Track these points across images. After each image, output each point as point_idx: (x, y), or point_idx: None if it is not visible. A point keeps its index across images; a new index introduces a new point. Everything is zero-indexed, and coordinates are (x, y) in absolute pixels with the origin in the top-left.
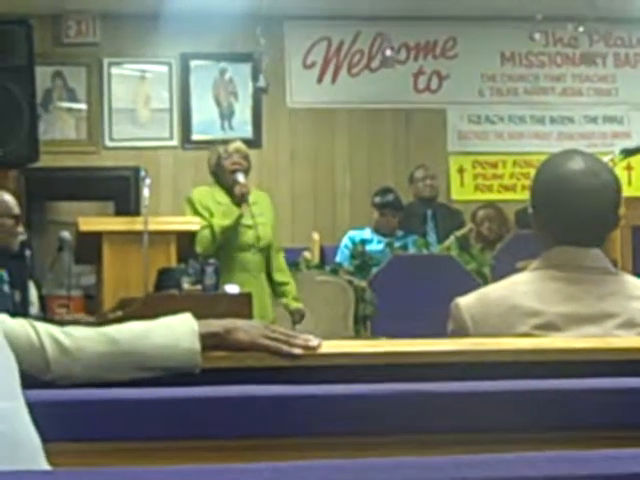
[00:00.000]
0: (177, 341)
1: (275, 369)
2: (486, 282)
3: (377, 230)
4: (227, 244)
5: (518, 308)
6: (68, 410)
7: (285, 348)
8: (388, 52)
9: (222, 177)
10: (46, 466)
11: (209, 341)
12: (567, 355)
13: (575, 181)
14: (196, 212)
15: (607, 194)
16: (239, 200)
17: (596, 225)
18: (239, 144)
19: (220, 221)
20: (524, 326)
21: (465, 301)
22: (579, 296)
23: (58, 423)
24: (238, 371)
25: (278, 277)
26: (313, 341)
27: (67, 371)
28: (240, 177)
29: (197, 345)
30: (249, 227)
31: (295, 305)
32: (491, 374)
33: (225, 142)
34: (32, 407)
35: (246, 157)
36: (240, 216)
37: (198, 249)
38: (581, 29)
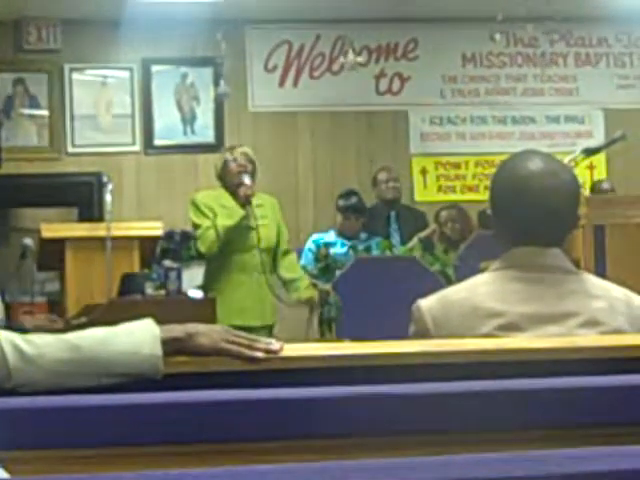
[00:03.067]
0: (139, 347)
1: (238, 373)
2: (450, 283)
3: (341, 233)
4: (227, 245)
5: (480, 309)
6: (29, 417)
7: (247, 352)
8: (350, 56)
9: (228, 180)
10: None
11: (171, 346)
12: (529, 355)
13: (533, 181)
14: (201, 213)
15: (566, 194)
16: (243, 201)
17: (555, 225)
18: (245, 148)
19: (224, 221)
20: (486, 327)
21: (426, 303)
22: (540, 296)
23: (19, 430)
24: (201, 376)
25: (287, 274)
26: (275, 345)
27: (28, 378)
28: (246, 179)
29: (159, 350)
30: (251, 228)
31: (305, 295)
32: (453, 375)
33: (232, 147)
34: None
35: (252, 161)
36: (243, 217)
37: (202, 249)
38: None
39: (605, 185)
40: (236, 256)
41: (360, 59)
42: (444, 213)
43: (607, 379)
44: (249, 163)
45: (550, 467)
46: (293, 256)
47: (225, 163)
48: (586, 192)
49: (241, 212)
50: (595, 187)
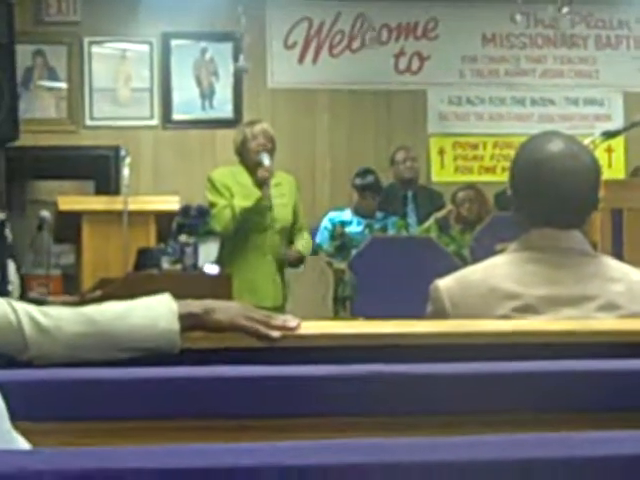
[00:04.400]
0: (156, 321)
1: (254, 350)
2: (465, 264)
3: (357, 211)
4: (243, 224)
5: (497, 290)
6: (46, 389)
7: (263, 329)
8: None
9: (246, 158)
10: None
11: (188, 321)
12: (546, 337)
13: (554, 163)
14: (217, 191)
15: (586, 176)
16: (260, 183)
17: (575, 207)
18: (265, 126)
19: (241, 202)
20: (503, 309)
21: (444, 283)
22: (558, 278)
23: (36, 403)
24: (217, 352)
25: (296, 237)
26: (292, 322)
27: (45, 351)
28: (265, 159)
29: (176, 325)
30: (267, 209)
31: (295, 248)
32: (469, 356)
33: (252, 123)
34: (10, 386)
35: (272, 139)
36: (260, 198)
37: (218, 228)
38: (565, 10)
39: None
40: (251, 236)
41: None
42: (461, 194)
43: (625, 363)
44: (269, 141)
45: (570, 450)
46: (309, 236)
47: (244, 140)
48: (614, 176)
49: (258, 193)
50: (635, 172)
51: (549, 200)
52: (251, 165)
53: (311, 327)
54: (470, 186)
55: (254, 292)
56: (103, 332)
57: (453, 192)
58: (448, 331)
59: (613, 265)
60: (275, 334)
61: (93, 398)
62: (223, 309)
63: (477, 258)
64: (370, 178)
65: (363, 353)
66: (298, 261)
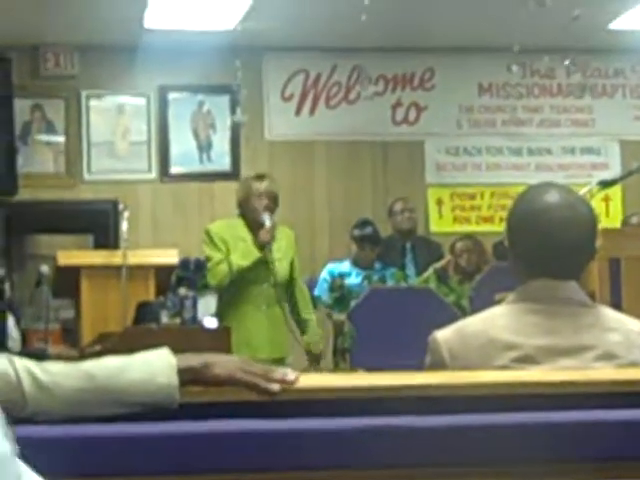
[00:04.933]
0: (154, 376)
1: (253, 403)
2: (465, 314)
3: (356, 263)
4: (240, 278)
5: (496, 341)
6: (45, 446)
7: (262, 383)
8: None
9: (248, 214)
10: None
11: (187, 376)
12: (545, 388)
13: (550, 214)
14: (213, 245)
15: (583, 226)
16: (262, 245)
17: (572, 258)
18: (270, 185)
19: (239, 260)
20: (502, 359)
21: (442, 334)
22: (556, 329)
23: (35, 459)
24: (216, 406)
25: (302, 314)
26: (290, 375)
27: (44, 407)
28: (267, 221)
29: (174, 380)
30: (266, 264)
31: (315, 350)
32: (469, 407)
33: (258, 178)
34: None
35: (275, 198)
36: (262, 258)
37: (212, 282)
38: (567, 62)
39: (634, 219)
40: (249, 289)
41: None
42: (459, 244)
43: (623, 413)
44: (272, 202)
45: None
46: (307, 293)
47: (248, 196)
48: (611, 225)
49: (257, 253)
50: (625, 221)
51: (546, 251)
52: (252, 222)
53: (310, 380)
54: (468, 236)
55: (249, 344)
56: (102, 387)
57: (451, 242)
58: (447, 382)
59: (610, 315)
60: (274, 387)
61: (93, 454)
62: (222, 363)
63: (476, 308)
64: (368, 229)
65: (362, 406)
66: (319, 358)
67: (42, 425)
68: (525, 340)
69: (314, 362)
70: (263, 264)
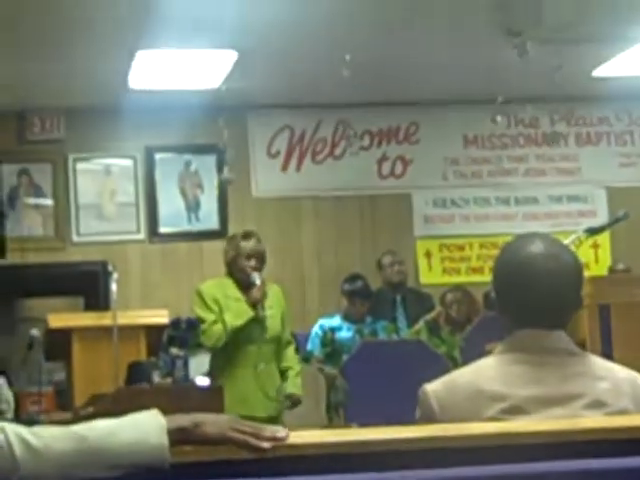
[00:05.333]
0: (145, 437)
1: (245, 462)
2: (456, 365)
3: (347, 317)
4: (233, 338)
5: (484, 393)
6: None
7: (253, 441)
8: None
9: (237, 274)
10: None
11: (177, 436)
12: (535, 438)
13: (535, 264)
14: (206, 306)
15: (568, 276)
16: (254, 303)
17: (558, 307)
18: (257, 244)
19: (232, 320)
20: (491, 411)
21: (432, 387)
22: (544, 378)
23: None
24: (207, 465)
25: (283, 363)
26: (281, 432)
27: (36, 470)
28: (257, 280)
29: (165, 440)
30: (258, 322)
31: (290, 390)
32: (460, 460)
33: (244, 236)
34: None
35: (262, 256)
36: (254, 317)
37: (208, 343)
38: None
39: (619, 265)
40: (241, 347)
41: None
42: (449, 296)
43: (614, 461)
44: (260, 261)
45: None
46: (292, 347)
47: (236, 256)
48: (596, 272)
49: (249, 312)
50: (612, 268)
51: (531, 301)
52: (241, 281)
53: (301, 437)
54: (458, 287)
55: (244, 403)
56: (93, 450)
57: (441, 294)
58: (436, 435)
59: (599, 363)
60: (265, 445)
61: None
62: (212, 422)
63: (468, 359)
64: (359, 283)
65: (354, 461)
66: (297, 403)
67: None
68: (513, 391)
69: (291, 404)
70: (256, 322)
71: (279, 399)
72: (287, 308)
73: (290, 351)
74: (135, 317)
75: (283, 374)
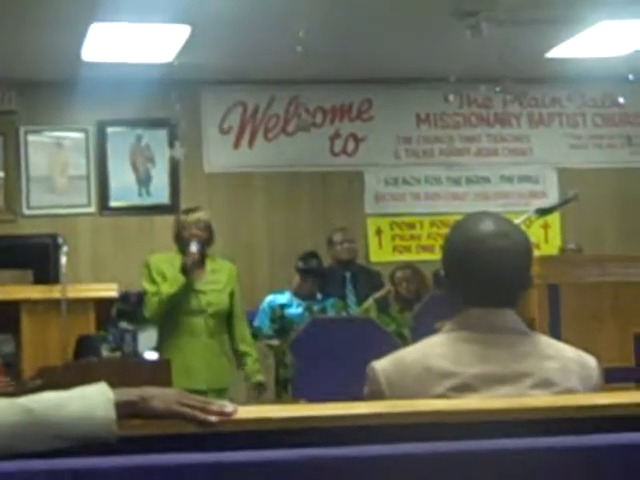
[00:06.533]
0: (92, 410)
1: (192, 436)
2: (406, 343)
3: (297, 293)
4: (175, 308)
5: (433, 370)
6: None
7: (200, 415)
8: (303, 115)
9: (181, 246)
10: None
11: (125, 409)
12: (482, 416)
13: (485, 243)
14: (150, 278)
15: (518, 255)
16: (183, 269)
17: (507, 286)
18: (199, 215)
19: (167, 289)
20: (439, 388)
21: (381, 364)
22: (493, 357)
23: None
24: (154, 439)
25: (240, 346)
26: (229, 407)
27: None
28: (193, 247)
29: (112, 414)
30: (201, 292)
31: (255, 378)
32: (407, 436)
33: (187, 211)
34: None
35: (206, 227)
36: (186, 284)
37: (147, 314)
38: (497, 89)
39: (570, 245)
40: (184, 319)
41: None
42: (399, 273)
43: (560, 440)
44: (202, 230)
45: None
46: (245, 327)
47: (179, 229)
48: (546, 252)
49: (182, 279)
50: (562, 247)
51: (481, 280)
52: (184, 254)
53: (248, 412)
54: (408, 265)
55: (189, 375)
56: (39, 422)
57: (391, 271)
58: (384, 411)
59: (547, 342)
60: (212, 419)
61: None
62: (160, 396)
63: (417, 337)
64: (313, 262)
65: (301, 437)
66: (263, 391)
67: None
68: (462, 368)
69: (258, 393)
70: (193, 293)
71: (252, 385)
72: (239, 287)
73: (246, 332)
74: (84, 290)
75: (240, 357)
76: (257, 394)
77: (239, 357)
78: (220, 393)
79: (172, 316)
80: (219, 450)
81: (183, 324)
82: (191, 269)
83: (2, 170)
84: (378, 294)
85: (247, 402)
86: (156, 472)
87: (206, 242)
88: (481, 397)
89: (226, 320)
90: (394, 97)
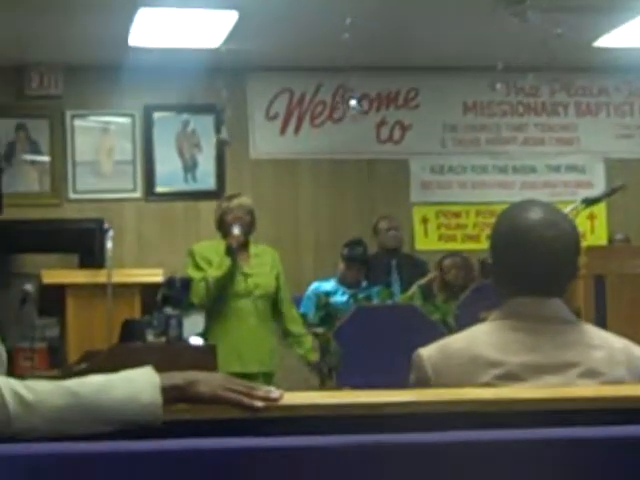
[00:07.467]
0: (138, 394)
1: (237, 421)
2: (451, 332)
3: (342, 281)
4: (223, 292)
5: (479, 358)
6: (29, 464)
7: (246, 400)
8: (353, 102)
9: (224, 231)
10: None
11: (170, 394)
12: (529, 405)
13: (533, 232)
14: (195, 265)
15: (565, 244)
16: (228, 251)
17: (554, 275)
18: (243, 199)
19: (213, 272)
20: (486, 376)
21: (427, 352)
22: (539, 346)
23: (20, 477)
24: (200, 423)
25: (292, 328)
26: (274, 393)
27: (29, 425)
28: (235, 229)
29: (158, 398)
30: (248, 275)
31: (315, 357)
32: (453, 424)
33: (229, 197)
34: None
35: (249, 211)
36: (233, 266)
37: (195, 300)
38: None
39: (619, 235)
40: (231, 302)
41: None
42: (448, 260)
43: (607, 430)
44: (245, 214)
45: None
46: (294, 308)
47: (222, 214)
48: (592, 243)
49: (228, 261)
50: (611, 238)
51: (529, 269)
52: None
53: (294, 398)
54: (457, 253)
55: (240, 358)
56: (85, 405)
57: (439, 258)
58: (431, 399)
59: (594, 332)
60: (258, 404)
61: (76, 472)
62: (205, 381)
63: (462, 326)
64: (359, 250)
65: (346, 423)
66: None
67: (26, 443)
68: (508, 357)
69: (315, 371)
70: (242, 278)
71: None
72: (284, 272)
73: (295, 314)
74: (130, 275)
75: (294, 337)
76: (317, 371)
77: (292, 338)
78: (269, 377)
79: (220, 300)
80: (264, 435)
81: (231, 308)
82: (236, 251)
83: (48, 154)
84: (423, 280)
85: (291, 388)
86: (200, 456)
87: (248, 227)
88: (527, 386)
89: (273, 303)
90: (441, 85)
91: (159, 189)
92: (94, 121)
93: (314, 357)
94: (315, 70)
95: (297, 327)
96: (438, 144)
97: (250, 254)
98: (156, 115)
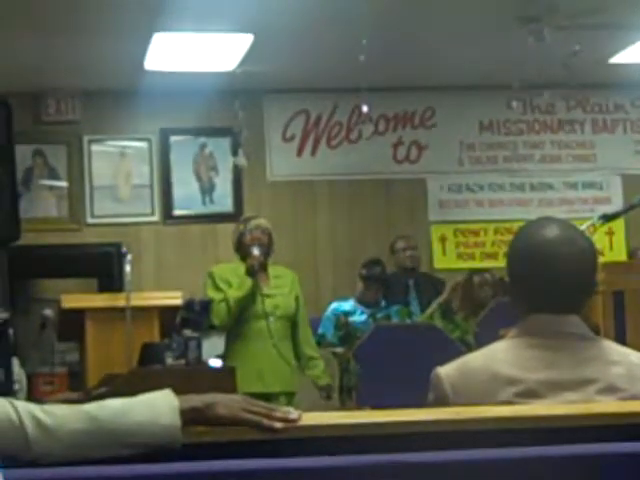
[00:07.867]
0: (157, 417)
1: (256, 442)
2: (470, 350)
3: (360, 300)
4: (243, 313)
5: (498, 376)
6: None
7: (265, 422)
8: (365, 109)
9: (242, 252)
10: None
11: (189, 416)
12: (548, 422)
13: (550, 249)
14: (215, 286)
15: (583, 261)
16: (249, 272)
17: (572, 292)
18: (260, 220)
19: (234, 293)
20: (504, 394)
21: (445, 370)
22: (558, 362)
23: None
24: (219, 446)
25: (307, 350)
26: (293, 414)
27: (47, 449)
28: (255, 250)
29: (177, 421)
30: (267, 296)
31: (325, 381)
32: (473, 443)
33: (247, 219)
34: None
35: (267, 233)
36: (254, 286)
37: (216, 322)
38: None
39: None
40: (252, 324)
41: None
42: (477, 278)
43: (627, 445)
44: (263, 235)
45: None
46: (309, 331)
47: (240, 236)
48: (610, 259)
49: (250, 282)
50: (631, 253)
51: (546, 286)
52: (246, 261)
53: (313, 418)
54: (486, 269)
55: (261, 378)
56: (105, 429)
57: (466, 276)
58: (450, 418)
59: (613, 348)
60: (277, 425)
61: None
62: (224, 403)
63: (482, 344)
64: (377, 269)
65: (365, 443)
66: (331, 394)
67: (46, 468)
68: (527, 374)
69: (327, 395)
70: (262, 299)
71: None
72: (302, 294)
73: (310, 337)
74: (148, 298)
75: (307, 360)
76: (326, 396)
77: (306, 360)
78: (290, 396)
79: (240, 321)
80: (283, 456)
81: (251, 329)
82: (257, 271)
83: (66, 180)
84: (440, 298)
85: (311, 408)
86: (220, 479)
87: (267, 248)
88: (547, 403)
89: (292, 324)
90: (457, 104)
91: (177, 212)
92: (111, 146)
93: (324, 381)
94: (331, 91)
95: (311, 350)
96: (455, 163)
97: (269, 275)
98: (173, 139)
